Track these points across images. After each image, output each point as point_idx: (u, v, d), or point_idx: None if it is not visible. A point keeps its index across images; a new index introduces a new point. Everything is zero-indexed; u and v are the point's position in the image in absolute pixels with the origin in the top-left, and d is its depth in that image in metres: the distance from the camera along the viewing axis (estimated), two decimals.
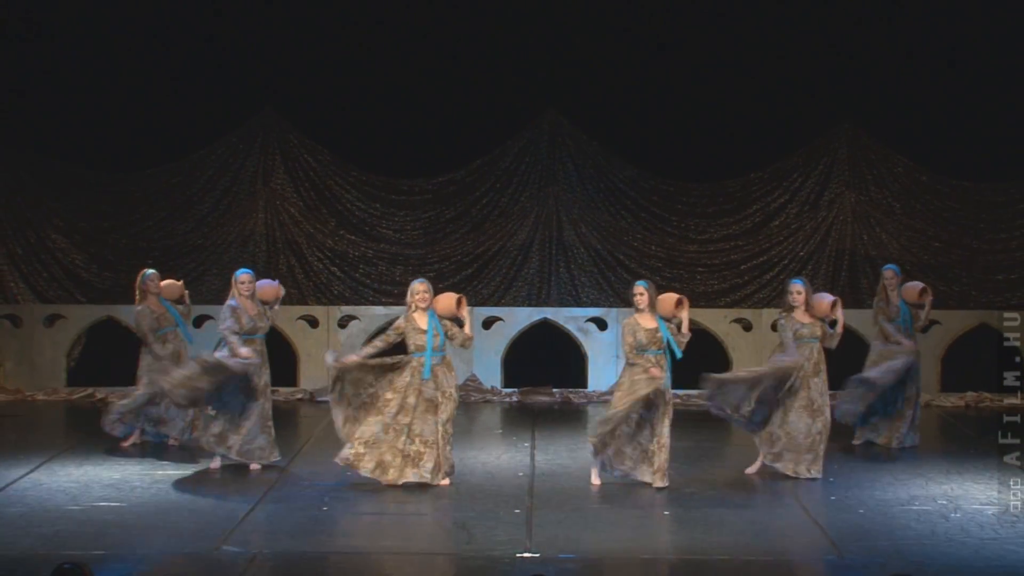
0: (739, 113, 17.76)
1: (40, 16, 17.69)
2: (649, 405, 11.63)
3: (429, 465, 11.67)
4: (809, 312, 12.12)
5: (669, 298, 11.75)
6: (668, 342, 11.67)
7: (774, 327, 17.08)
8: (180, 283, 13.74)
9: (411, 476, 11.67)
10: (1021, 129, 17.55)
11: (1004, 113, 17.56)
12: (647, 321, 11.67)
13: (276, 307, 12.69)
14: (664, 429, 11.65)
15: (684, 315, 11.75)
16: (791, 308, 12.16)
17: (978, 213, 17.88)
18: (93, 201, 18.04)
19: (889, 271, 14.03)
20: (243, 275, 12.50)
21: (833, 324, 12.21)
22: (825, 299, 12.18)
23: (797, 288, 12.16)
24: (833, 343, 12.20)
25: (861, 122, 17.92)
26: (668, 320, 11.73)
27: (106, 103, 17.74)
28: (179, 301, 13.66)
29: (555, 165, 18.08)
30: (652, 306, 11.70)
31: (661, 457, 11.65)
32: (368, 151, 18.11)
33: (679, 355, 11.70)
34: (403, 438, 11.65)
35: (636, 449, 11.76)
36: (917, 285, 13.78)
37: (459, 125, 17.96)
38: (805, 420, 12.04)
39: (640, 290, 11.78)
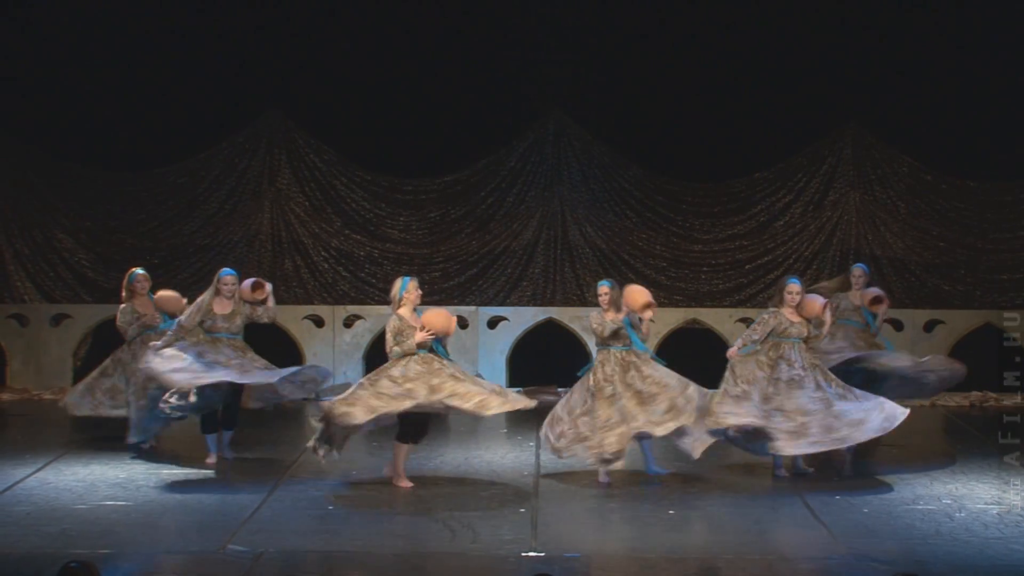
0: (744, 113, 17.78)
1: (47, 16, 17.73)
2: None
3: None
4: (798, 312, 12.16)
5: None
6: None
7: None
8: (176, 295, 13.59)
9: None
10: None
11: (1009, 113, 17.57)
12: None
13: (271, 304, 12.66)
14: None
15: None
16: (781, 304, 12.20)
17: (983, 213, 17.90)
18: (99, 201, 18.09)
19: (858, 269, 13.97)
20: (225, 275, 12.65)
21: (819, 325, 12.24)
22: (817, 300, 12.18)
23: (796, 288, 12.18)
24: (817, 342, 12.42)
25: (866, 122, 17.94)
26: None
27: (113, 103, 17.79)
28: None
29: (560, 165, 18.11)
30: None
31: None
32: (373, 151, 18.14)
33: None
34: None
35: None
36: (871, 291, 13.65)
37: (465, 125, 17.99)
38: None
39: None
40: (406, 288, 11.77)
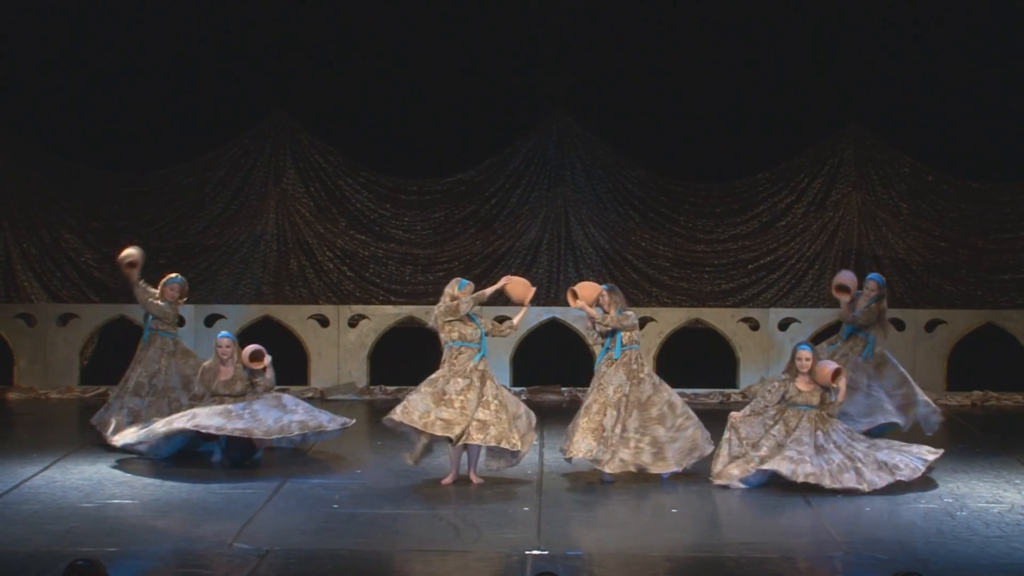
0: (747, 114, 17.79)
1: (54, 16, 17.77)
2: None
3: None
4: (812, 379, 11.92)
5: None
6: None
7: (781, 327, 17.27)
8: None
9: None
10: None
11: (1010, 113, 17.58)
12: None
13: (269, 375, 12.73)
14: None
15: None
16: (796, 373, 11.96)
17: (984, 213, 17.90)
18: (106, 201, 18.12)
19: (872, 281, 13.64)
20: (221, 339, 12.77)
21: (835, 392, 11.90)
22: (827, 367, 11.86)
23: (806, 355, 11.90)
24: (835, 411, 11.97)
25: (868, 123, 17.95)
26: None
27: (119, 104, 17.81)
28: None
29: (564, 166, 18.14)
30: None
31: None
32: (378, 152, 18.17)
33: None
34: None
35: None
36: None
37: (469, 126, 18.01)
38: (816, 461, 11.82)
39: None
40: (463, 289, 12.29)
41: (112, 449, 13.18)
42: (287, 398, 12.93)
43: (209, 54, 17.77)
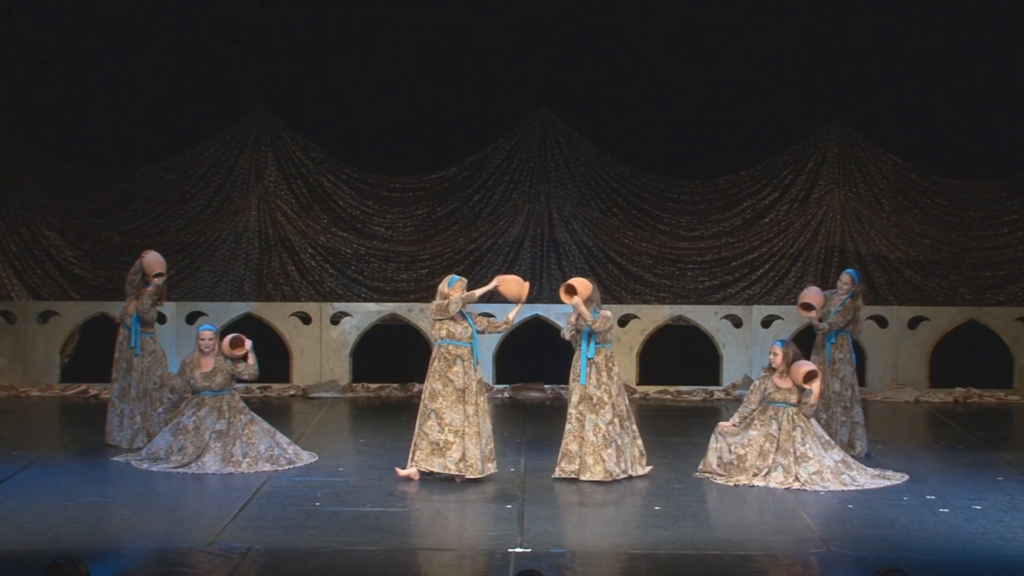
0: (730, 111, 17.79)
1: (33, 13, 17.71)
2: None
3: (456, 456, 11.79)
4: (788, 377, 11.98)
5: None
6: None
7: (764, 324, 17.30)
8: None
9: (436, 466, 11.80)
10: (1009, 127, 17.61)
11: (993, 111, 17.62)
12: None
13: (251, 361, 12.66)
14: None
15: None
16: (772, 370, 12.04)
17: (966, 210, 17.93)
18: (87, 198, 18.06)
19: (847, 275, 13.61)
20: (203, 331, 12.70)
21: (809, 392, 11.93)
22: (801, 367, 11.89)
23: (776, 350, 12.01)
24: (807, 411, 11.97)
25: (850, 120, 17.97)
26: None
27: (100, 100, 17.74)
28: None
29: (547, 162, 18.12)
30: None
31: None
32: (360, 149, 18.14)
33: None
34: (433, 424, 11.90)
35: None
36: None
37: (451, 122, 17.98)
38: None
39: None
40: (452, 286, 12.24)
41: (94, 447, 13.16)
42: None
43: (190, 50, 17.71)
